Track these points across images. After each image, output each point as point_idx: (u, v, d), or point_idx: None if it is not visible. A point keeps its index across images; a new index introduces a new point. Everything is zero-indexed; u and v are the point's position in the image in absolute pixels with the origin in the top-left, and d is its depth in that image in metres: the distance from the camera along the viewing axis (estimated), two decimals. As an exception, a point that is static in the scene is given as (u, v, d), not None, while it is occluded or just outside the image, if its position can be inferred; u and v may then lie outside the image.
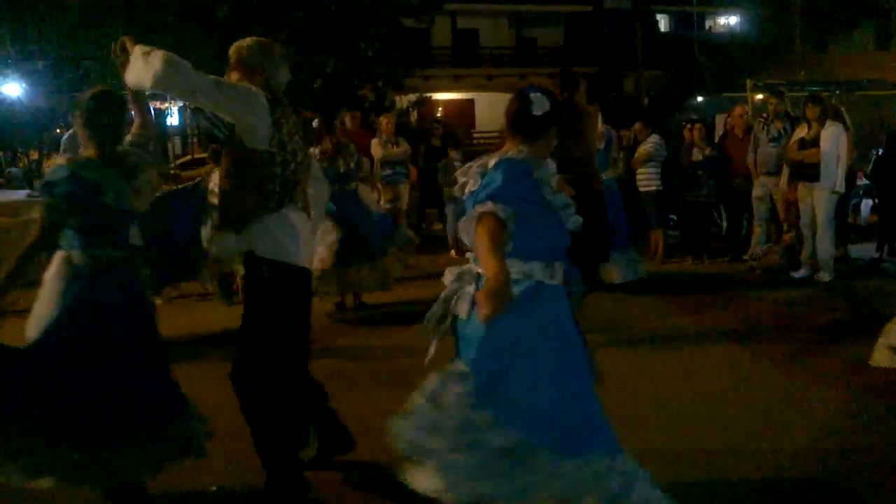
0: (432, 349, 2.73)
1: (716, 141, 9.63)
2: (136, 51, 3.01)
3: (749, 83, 12.87)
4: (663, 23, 35.97)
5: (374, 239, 6.92)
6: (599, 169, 6.77)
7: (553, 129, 2.84)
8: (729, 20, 34.80)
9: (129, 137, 3.41)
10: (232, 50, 3.40)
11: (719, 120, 12.18)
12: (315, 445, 3.65)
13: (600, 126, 7.15)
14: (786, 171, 7.96)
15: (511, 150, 2.80)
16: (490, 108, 32.43)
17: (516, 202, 2.61)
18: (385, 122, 10.29)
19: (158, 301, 4.48)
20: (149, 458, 3.14)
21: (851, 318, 6.34)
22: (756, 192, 8.47)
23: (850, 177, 8.72)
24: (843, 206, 8.83)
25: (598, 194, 6.28)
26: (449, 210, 9.97)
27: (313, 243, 3.58)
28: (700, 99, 21.16)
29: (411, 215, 10.96)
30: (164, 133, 12.98)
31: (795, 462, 3.64)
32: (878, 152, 10.35)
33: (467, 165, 2.87)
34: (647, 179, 9.00)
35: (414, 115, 15.64)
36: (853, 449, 3.74)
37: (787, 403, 4.40)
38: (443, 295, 2.76)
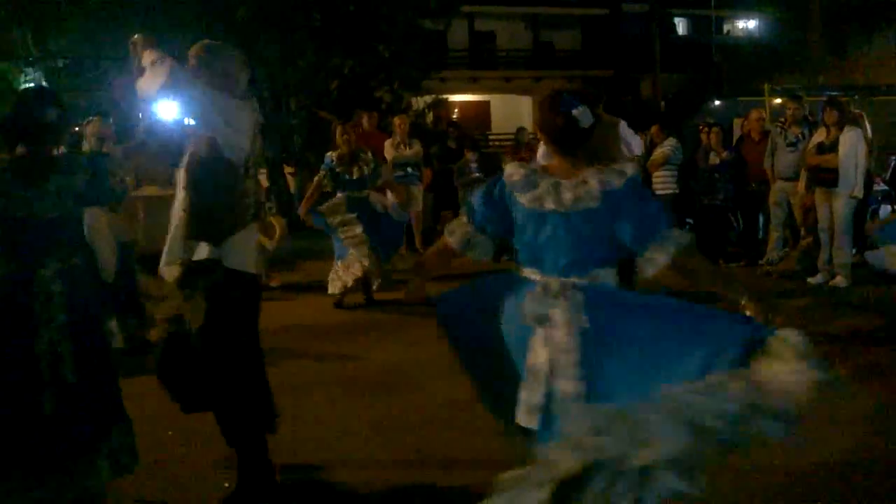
0: None
1: (733, 145, 9.59)
2: (145, 58, 3.05)
3: (767, 87, 12.81)
4: (681, 26, 35.79)
5: (380, 247, 7.05)
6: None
7: (588, 143, 2.75)
8: (747, 24, 34.60)
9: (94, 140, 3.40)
10: (199, 53, 3.38)
11: (736, 124, 12.11)
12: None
13: (628, 133, 6.94)
14: (804, 176, 7.91)
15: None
16: (506, 110, 32.40)
17: None
18: (398, 123, 10.30)
19: None
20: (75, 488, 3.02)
21: (868, 325, 6.29)
22: (773, 197, 8.42)
23: (868, 182, 8.66)
24: (862, 211, 8.76)
25: None
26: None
27: None
28: (717, 103, 21.06)
29: (426, 217, 10.96)
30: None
31: (816, 469, 3.62)
32: (896, 158, 10.28)
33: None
34: (664, 183, 8.97)
35: (430, 117, 15.64)
36: (873, 457, 3.72)
37: (803, 410, 4.37)
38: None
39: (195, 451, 3.99)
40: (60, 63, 10.88)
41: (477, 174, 9.77)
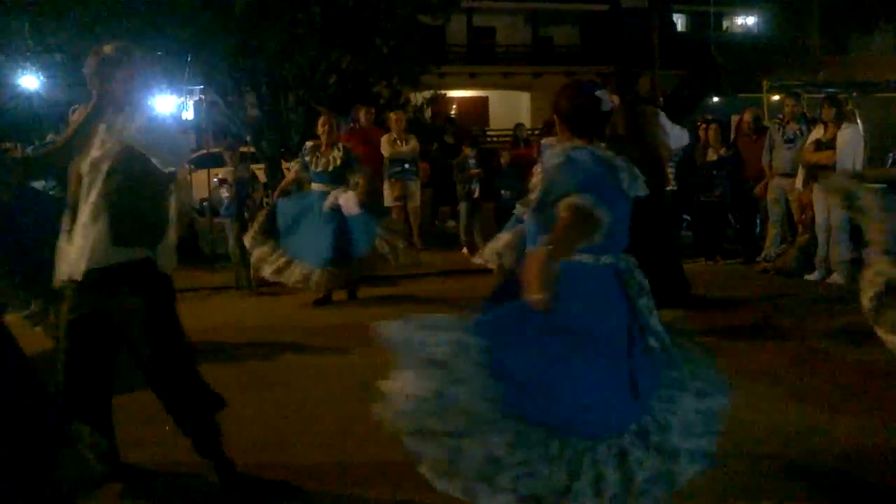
0: None
1: (731, 141, 9.60)
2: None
3: (765, 84, 12.81)
4: (680, 22, 35.79)
5: (355, 238, 6.99)
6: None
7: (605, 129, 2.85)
8: (746, 20, 34.59)
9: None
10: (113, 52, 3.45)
11: (734, 121, 12.12)
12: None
13: (668, 124, 6.70)
14: (801, 172, 7.92)
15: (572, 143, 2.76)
16: (504, 105, 32.41)
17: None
18: (395, 119, 10.26)
19: None
20: None
21: (865, 322, 6.28)
22: (771, 193, 8.43)
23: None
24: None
25: (665, 198, 6.14)
26: (462, 207, 9.97)
27: None
28: (716, 99, 21.05)
29: (424, 213, 10.96)
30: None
31: (810, 463, 3.64)
32: (894, 155, 10.28)
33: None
34: (661, 179, 8.97)
35: (428, 113, 15.62)
36: (867, 451, 3.73)
37: (801, 406, 4.39)
38: None
39: (193, 449, 3.99)
40: (58, 57, 10.85)
41: (475, 170, 9.77)
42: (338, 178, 7.02)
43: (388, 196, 10.17)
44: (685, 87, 25.19)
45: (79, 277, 3.30)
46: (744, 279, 8.14)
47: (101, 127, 3.38)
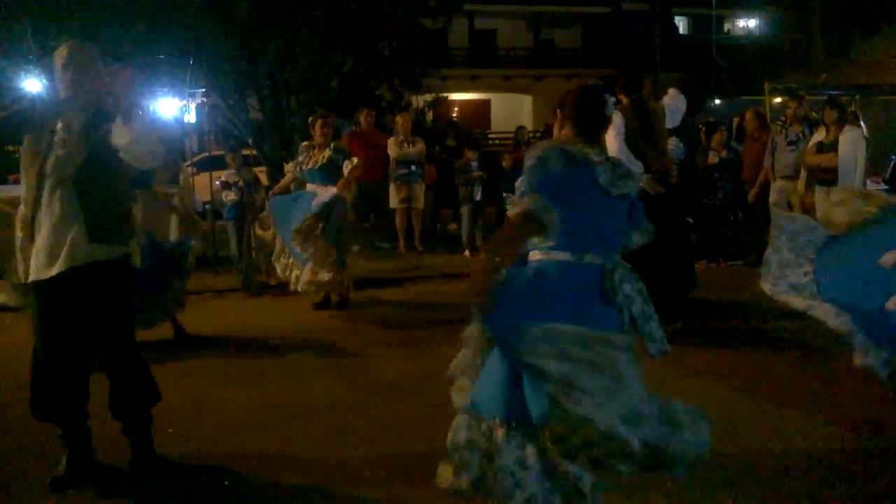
0: None
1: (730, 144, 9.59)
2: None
3: (767, 86, 12.80)
4: (682, 25, 35.76)
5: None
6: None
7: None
8: (748, 23, 34.58)
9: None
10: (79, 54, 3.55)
11: (735, 123, 12.13)
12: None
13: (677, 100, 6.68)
14: (803, 175, 7.92)
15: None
16: (506, 108, 32.38)
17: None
18: (402, 121, 10.32)
19: None
20: None
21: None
22: (773, 196, 8.43)
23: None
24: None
25: (680, 200, 6.06)
26: (464, 210, 9.97)
27: None
28: (718, 102, 21.04)
29: (425, 215, 10.96)
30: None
31: (811, 464, 3.63)
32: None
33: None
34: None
35: (429, 115, 15.61)
36: (869, 452, 3.73)
37: (802, 406, 4.39)
38: None
39: (195, 448, 4.00)
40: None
41: (477, 173, 9.78)
42: (328, 176, 6.87)
43: (394, 198, 10.18)
44: (687, 89, 25.20)
45: (53, 273, 3.34)
46: (745, 281, 8.12)
47: (59, 126, 3.41)
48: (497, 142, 25.73)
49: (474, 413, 2.74)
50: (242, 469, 3.73)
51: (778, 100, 12.83)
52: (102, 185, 3.43)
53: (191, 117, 12.52)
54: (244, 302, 7.74)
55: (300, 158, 7.04)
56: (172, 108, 11.27)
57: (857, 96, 12.46)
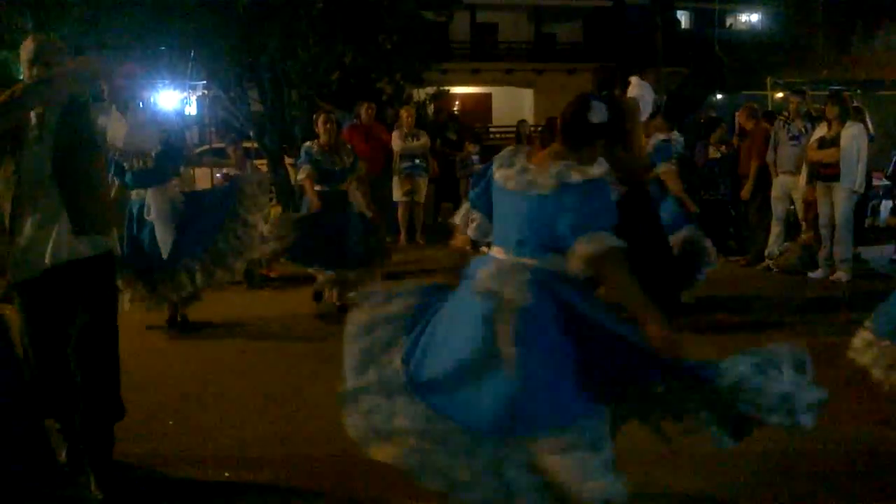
0: None
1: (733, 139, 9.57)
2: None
3: (769, 81, 12.79)
4: (684, 19, 35.69)
5: (350, 247, 6.73)
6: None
7: (601, 141, 2.82)
8: (750, 18, 34.51)
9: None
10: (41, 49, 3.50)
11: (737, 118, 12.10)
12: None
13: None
14: (805, 170, 7.91)
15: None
16: (507, 102, 32.34)
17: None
18: (406, 114, 10.31)
19: None
20: None
21: (868, 319, 6.27)
22: (775, 191, 8.41)
23: (868, 177, 8.65)
24: (862, 206, 8.76)
25: (648, 198, 5.84)
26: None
27: None
28: (719, 96, 21.03)
29: (426, 208, 10.96)
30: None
31: (814, 461, 3.63)
32: (898, 153, 10.25)
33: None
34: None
35: (431, 109, 15.60)
36: (871, 448, 3.73)
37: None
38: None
39: (196, 442, 4.00)
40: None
41: (478, 166, 9.77)
42: (349, 176, 6.84)
43: (398, 191, 10.18)
44: (688, 84, 25.15)
45: (42, 268, 3.31)
46: (747, 277, 8.13)
47: (32, 121, 3.34)
48: (498, 135, 25.70)
49: None
50: (243, 462, 3.73)
51: (780, 95, 12.82)
52: (81, 177, 3.39)
53: (192, 109, 12.50)
54: (245, 295, 7.73)
55: (318, 158, 6.71)
56: (173, 100, 11.26)
57: (858, 91, 12.43)
